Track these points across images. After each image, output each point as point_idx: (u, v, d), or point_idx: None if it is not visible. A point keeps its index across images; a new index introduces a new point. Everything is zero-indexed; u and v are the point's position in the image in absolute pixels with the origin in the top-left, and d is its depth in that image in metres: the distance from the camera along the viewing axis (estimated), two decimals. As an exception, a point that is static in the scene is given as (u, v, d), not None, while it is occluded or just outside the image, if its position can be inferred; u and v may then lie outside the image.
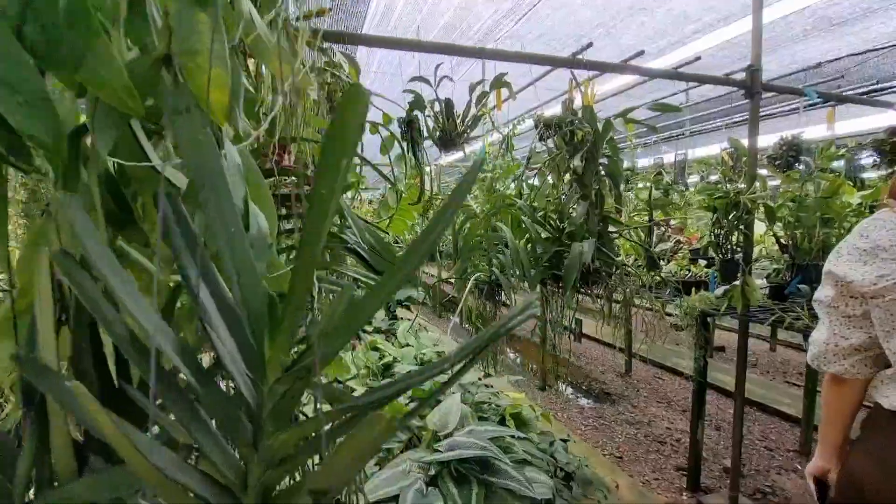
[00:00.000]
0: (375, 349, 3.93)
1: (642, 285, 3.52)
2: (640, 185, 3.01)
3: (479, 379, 3.66)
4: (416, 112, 1.82)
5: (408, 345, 4.18)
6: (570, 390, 4.97)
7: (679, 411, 4.33)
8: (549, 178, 1.93)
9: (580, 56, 2.04)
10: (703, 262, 3.13)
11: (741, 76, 2.41)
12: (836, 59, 3.98)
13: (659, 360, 5.54)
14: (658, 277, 3.44)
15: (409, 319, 4.92)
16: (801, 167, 3.22)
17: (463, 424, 2.32)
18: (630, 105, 2.04)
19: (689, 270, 3.30)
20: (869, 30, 3.98)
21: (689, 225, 3.78)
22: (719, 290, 2.75)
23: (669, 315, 2.75)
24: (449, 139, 1.82)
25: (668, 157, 7.53)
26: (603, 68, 2.12)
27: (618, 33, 4.27)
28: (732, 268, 2.48)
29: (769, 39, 4.28)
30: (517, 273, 1.79)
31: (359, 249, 0.91)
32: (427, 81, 1.80)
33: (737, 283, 2.54)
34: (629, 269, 1.94)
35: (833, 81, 5.00)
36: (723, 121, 5.96)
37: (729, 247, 2.48)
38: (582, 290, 1.98)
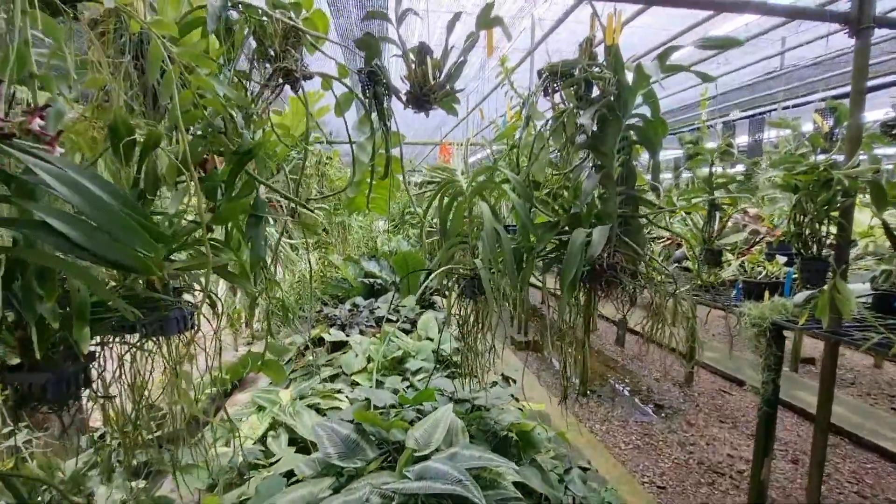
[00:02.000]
0: (393, 339, 3.65)
1: (700, 285, 2.90)
2: (700, 156, 2.40)
3: (511, 383, 3.26)
4: (378, 62, 1.44)
5: (428, 338, 3.86)
6: (614, 399, 4.40)
7: (746, 435, 3.64)
8: (551, 141, 1.47)
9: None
10: (781, 259, 2.47)
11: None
12: None
13: (730, 371, 4.77)
14: (719, 276, 2.81)
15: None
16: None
17: (450, 443, 1.95)
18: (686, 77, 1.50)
19: (762, 269, 2.64)
20: None
21: (764, 209, 3.05)
22: (800, 296, 2.12)
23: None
24: (420, 95, 1.42)
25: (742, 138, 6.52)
26: None
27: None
28: (818, 268, 1.85)
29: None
30: (499, 269, 1.37)
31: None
32: (384, 16, 1.42)
33: (824, 287, 1.92)
34: (660, 267, 1.44)
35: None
36: (824, 92, 4.92)
37: (815, 240, 1.86)
38: (598, 292, 1.52)
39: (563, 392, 1.73)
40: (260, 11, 1.29)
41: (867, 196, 1.87)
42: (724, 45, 1.40)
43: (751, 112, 6.82)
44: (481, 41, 1.59)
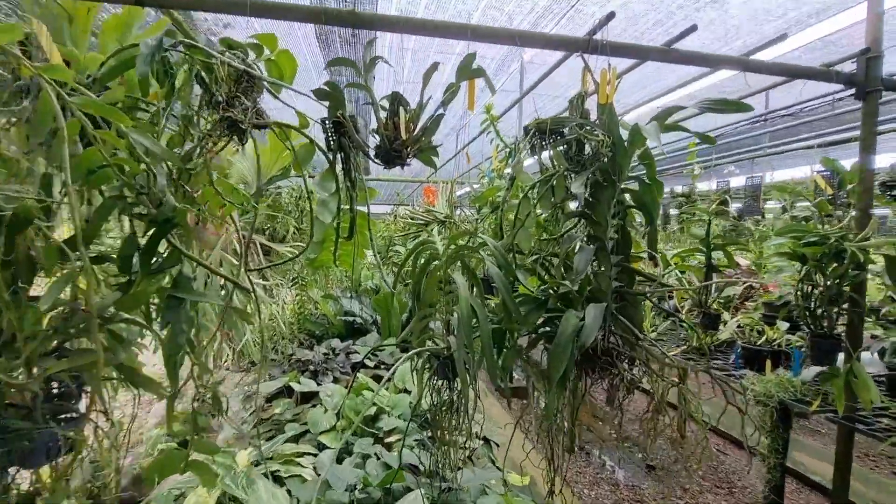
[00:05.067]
0: (364, 392, 3.37)
1: (697, 348, 2.72)
2: (696, 216, 2.26)
3: (494, 446, 2.99)
4: (350, 112, 1.27)
5: (406, 390, 3.59)
6: (602, 457, 4.13)
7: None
8: (539, 209, 1.29)
9: (600, 35, 1.41)
10: (782, 325, 2.30)
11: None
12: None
13: (724, 427, 4.53)
14: (716, 337, 2.64)
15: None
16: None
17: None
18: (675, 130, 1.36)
19: (761, 333, 2.46)
20: None
21: (764, 266, 2.91)
22: (808, 372, 1.94)
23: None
24: (391, 150, 1.25)
25: (737, 182, 6.46)
26: (635, 53, 1.48)
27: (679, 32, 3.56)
28: (829, 347, 1.68)
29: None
30: (474, 354, 1.17)
31: None
32: (350, 64, 1.26)
33: (835, 367, 1.74)
34: (661, 355, 1.24)
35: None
36: (813, 138, 4.93)
37: (826, 315, 1.69)
38: (589, 376, 1.31)
39: (550, 487, 1.50)
40: (206, 53, 1.12)
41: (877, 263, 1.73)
42: (736, 109, 1.26)
43: (734, 156, 6.84)
44: (464, 88, 1.44)
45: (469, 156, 3.22)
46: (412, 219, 3.36)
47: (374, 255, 1.61)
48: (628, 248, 1.45)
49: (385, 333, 5.31)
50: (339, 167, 1.35)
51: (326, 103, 1.26)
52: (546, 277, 1.46)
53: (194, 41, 1.07)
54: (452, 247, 1.40)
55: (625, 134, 1.37)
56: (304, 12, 1.25)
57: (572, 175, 1.30)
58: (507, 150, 2.09)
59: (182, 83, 1.11)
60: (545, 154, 1.41)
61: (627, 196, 1.44)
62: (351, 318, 5.65)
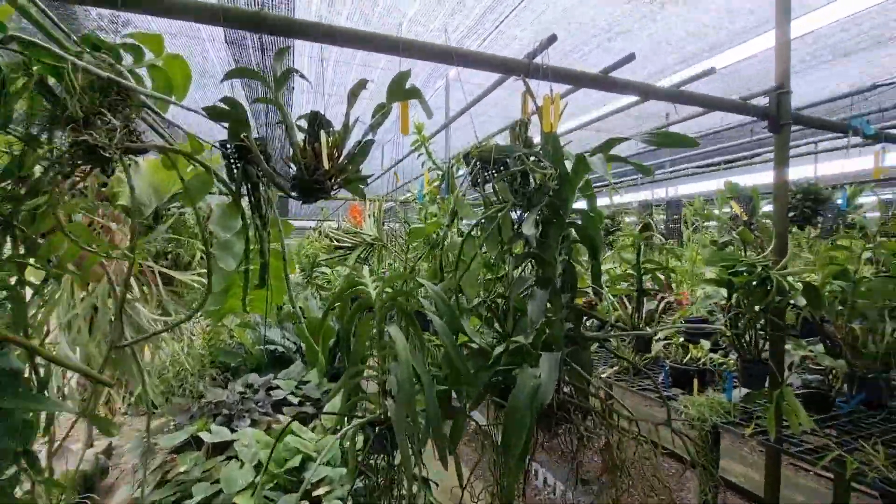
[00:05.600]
0: (288, 438, 3.02)
1: (626, 369, 2.76)
2: (620, 240, 2.28)
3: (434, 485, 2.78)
4: (248, 135, 1.04)
5: (335, 430, 3.28)
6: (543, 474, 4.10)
7: (673, 512, 3.50)
8: (484, 248, 1.16)
9: (540, 59, 1.32)
10: (705, 344, 2.39)
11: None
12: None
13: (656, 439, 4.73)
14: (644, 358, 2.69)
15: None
16: (824, 221, 2.56)
17: None
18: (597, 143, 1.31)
19: (685, 349, 2.55)
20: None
21: (686, 282, 3.05)
22: (737, 393, 1.99)
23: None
24: (311, 183, 1.05)
25: (642, 195, 6.94)
26: (574, 80, 1.41)
27: (594, 58, 3.71)
28: (759, 372, 1.73)
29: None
30: (417, 425, 1.00)
31: None
32: (257, 76, 1.04)
33: (765, 389, 1.80)
34: (620, 408, 1.15)
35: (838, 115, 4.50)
36: (721, 156, 5.42)
37: (753, 339, 1.74)
38: (544, 434, 1.19)
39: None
40: (55, 55, 0.85)
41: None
42: (680, 143, 1.22)
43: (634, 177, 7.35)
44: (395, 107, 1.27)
45: (398, 175, 3.07)
46: (337, 243, 3.11)
47: (293, 307, 1.37)
48: (575, 285, 1.36)
49: (312, 362, 4.92)
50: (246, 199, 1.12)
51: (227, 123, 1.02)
52: (490, 319, 1.32)
53: (33, 39, 0.79)
54: (388, 289, 1.21)
55: (568, 164, 1.29)
56: (193, 8, 1.01)
57: (518, 209, 1.18)
58: (440, 173, 1.95)
59: (16, 94, 0.82)
60: (472, 186, 1.29)
61: (572, 230, 1.36)
62: (272, 347, 5.17)
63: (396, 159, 3.17)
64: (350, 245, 3.37)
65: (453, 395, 1.27)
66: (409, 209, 3.78)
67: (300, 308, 6.04)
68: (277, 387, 4.16)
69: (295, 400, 3.97)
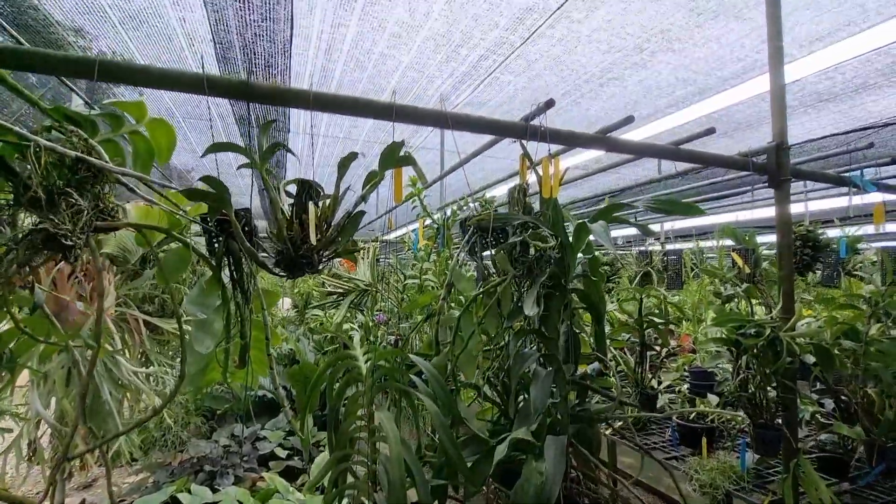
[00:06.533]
0: (273, 500, 2.83)
1: (633, 424, 2.64)
2: (623, 294, 2.21)
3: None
4: (243, 207, 0.98)
5: (322, 488, 3.09)
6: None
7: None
8: (483, 320, 1.09)
9: (537, 121, 1.29)
10: (713, 399, 2.29)
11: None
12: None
13: (650, 482, 4.51)
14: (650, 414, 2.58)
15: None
16: (823, 269, 2.52)
17: None
18: (581, 196, 1.27)
19: (692, 402, 2.44)
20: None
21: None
22: (749, 456, 1.88)
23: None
24: (297, 258, 0.98)
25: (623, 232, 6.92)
26: (573, 141, 1.38)
27: (585, 103, 3.76)
28: (771, 437, 1.64)
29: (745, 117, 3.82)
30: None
31: None
32: (237, 148, 0.98)
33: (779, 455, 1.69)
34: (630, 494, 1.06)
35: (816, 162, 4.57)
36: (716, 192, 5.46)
37: (765, 406, 1.66)
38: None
39: None
40: (18, 134, 0.79)
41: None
42: (684, 211, 1.17)
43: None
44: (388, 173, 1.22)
45: (392, 221, 3.04)
46: (329, 290, 3.02)
47: (275, 386, 1.28)
48: (578, 355, 1.28)
49: (303, 411, 4.72)
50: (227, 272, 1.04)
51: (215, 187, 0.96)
52: (491, 395, 1.23)
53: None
54: (380, 364, 1.12)
55: (568, 226, 1.24)
56: (172, 79, 0.97)
57: (518, 281, 1.12)
58: (435, 226, 1.90)
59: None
60: (467, 253, 1.22)
61: (574, 296, 1.29)
62: (261, 392, 4.98)
63: (389, 207, 3.13)
64: (343, 291, 3.28)
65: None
66: (403, 254, 3.72)
67: (292, 349, 5.86)
68: (265, 437, 3.96)
69: (283, 453, 3.77)
